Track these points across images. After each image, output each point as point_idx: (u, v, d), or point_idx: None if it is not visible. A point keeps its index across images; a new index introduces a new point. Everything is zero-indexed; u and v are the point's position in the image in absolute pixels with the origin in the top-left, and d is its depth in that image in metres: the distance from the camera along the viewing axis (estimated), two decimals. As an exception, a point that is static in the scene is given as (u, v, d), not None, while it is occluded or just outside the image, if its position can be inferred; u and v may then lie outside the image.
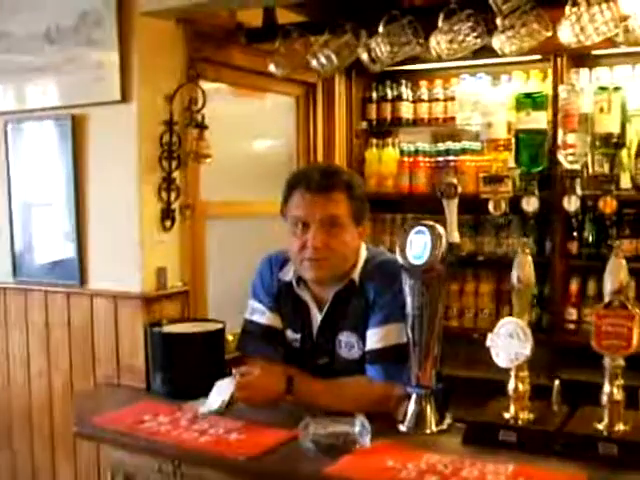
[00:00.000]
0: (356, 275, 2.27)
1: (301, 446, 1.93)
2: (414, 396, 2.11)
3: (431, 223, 2.09)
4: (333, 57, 2.82)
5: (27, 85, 2.86)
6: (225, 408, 2.16)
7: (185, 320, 2.69)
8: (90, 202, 2.73)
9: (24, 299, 2.90)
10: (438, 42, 2.57)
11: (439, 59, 2.67)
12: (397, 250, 2.09)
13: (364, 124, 4.04)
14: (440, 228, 2.07)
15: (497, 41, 2.54)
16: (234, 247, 3.19)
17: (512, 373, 2.00)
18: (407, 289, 2.09)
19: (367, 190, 3.93)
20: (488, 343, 2.03)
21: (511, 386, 1.99)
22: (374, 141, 4.03)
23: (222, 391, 2.17)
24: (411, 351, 2.10)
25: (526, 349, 1.96)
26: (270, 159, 3.66)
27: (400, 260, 2.08)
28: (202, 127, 2.70)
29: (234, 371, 2.18)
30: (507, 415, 2.00)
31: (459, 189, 2.18)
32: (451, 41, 2.59)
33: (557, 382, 2.09)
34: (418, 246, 2.06)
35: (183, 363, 2.45)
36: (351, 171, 2.67)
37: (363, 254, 2.32)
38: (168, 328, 2.56)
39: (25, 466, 2.97)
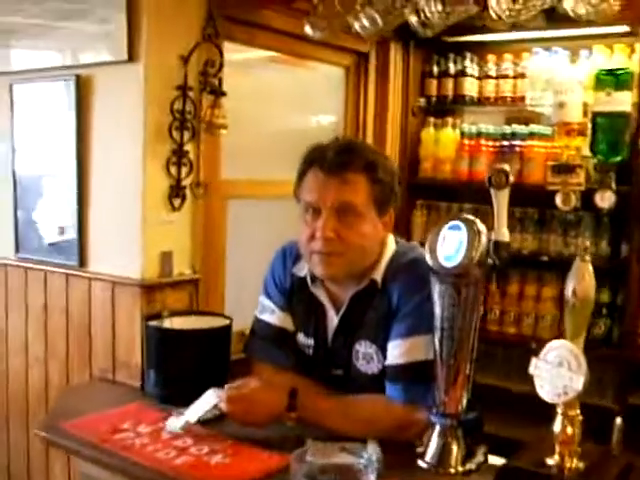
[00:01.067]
0: (379, 274, 1.90)
1: (292, 480, 1.59)
2: (438, 427, 1.74)
3: (470, 217, 1.70)
4: (377, 18, 2.43)
5: (30, 43, 2.59)
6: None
7: (190, 313, 2.36)
8: (93, 175, 2.42)
9: (24, 278, 2.64)
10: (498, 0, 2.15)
11: (499, 22, 2.25)
12: (426, 249, 1.72)
13: (422, 101, 3.64)
14: (480, 224, 1.68)
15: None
16: (259, 232, 2.81)
17: (559, 410, 1.59)
18: (435, 296, 1.71)
19: (422, 175, 3.62)
20: (531, 370, 1.63)
21: (557, 427, 1.59)
22: (432, 120, 3.63)
23: (204, 403, 1.85)
24: (438, 372, 1.73)
25: (578, 383, 1.55)
26: (312, 135, 3.26)
27: (429, 261, 1.70)
28: (218, 93, 2.35)
29: (227, 386, 1.85)
30: (550, 461, 1.60)
31: (511, 178, 1.76)
32: (514, -1, 2.17)
33: (619, 420, 1.68)
34: (451, 245, 1.68)
35: (180, 363, 2.13)
36: (378, 149, 2.27)
37: (390, 249, 1.95)
38: (167, 322, 2.24)
39: (19, 458, 2.73)
